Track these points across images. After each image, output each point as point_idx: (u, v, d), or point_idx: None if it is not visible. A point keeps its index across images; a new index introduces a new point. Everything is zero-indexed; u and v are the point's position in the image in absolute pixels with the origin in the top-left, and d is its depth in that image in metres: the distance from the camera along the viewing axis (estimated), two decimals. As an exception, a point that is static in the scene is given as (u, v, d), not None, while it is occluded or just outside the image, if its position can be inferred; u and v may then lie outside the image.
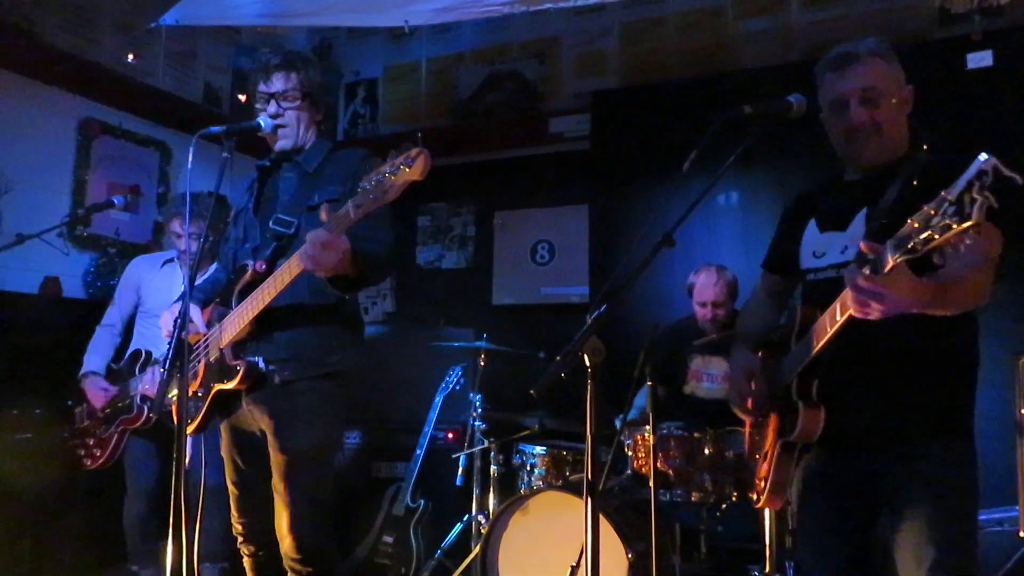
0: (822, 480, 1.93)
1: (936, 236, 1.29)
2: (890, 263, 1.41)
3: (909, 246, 1.34)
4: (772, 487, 1.94)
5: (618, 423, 3.03)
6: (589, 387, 1.66)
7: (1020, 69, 3.56)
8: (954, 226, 1.25)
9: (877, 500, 1.86)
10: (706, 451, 2.98)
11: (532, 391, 1.64)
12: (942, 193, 1.28)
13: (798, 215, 2.07)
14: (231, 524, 2.50)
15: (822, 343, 1.73)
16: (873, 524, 1.89)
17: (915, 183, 1.75)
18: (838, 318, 1.64)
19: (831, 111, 1.92)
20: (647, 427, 2.87)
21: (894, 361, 1.79)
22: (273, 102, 2.37)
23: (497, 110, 5.20)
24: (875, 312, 1.50)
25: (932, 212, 1.29)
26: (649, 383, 2.77)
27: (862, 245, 1.48)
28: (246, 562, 2.49)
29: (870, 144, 1.87)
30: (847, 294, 1.54)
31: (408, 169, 1.82)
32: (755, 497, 2.04)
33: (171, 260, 3.58)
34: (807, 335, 1.81)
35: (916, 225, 1.33)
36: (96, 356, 3.51)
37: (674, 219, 1.82)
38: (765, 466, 1.98)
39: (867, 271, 1.45)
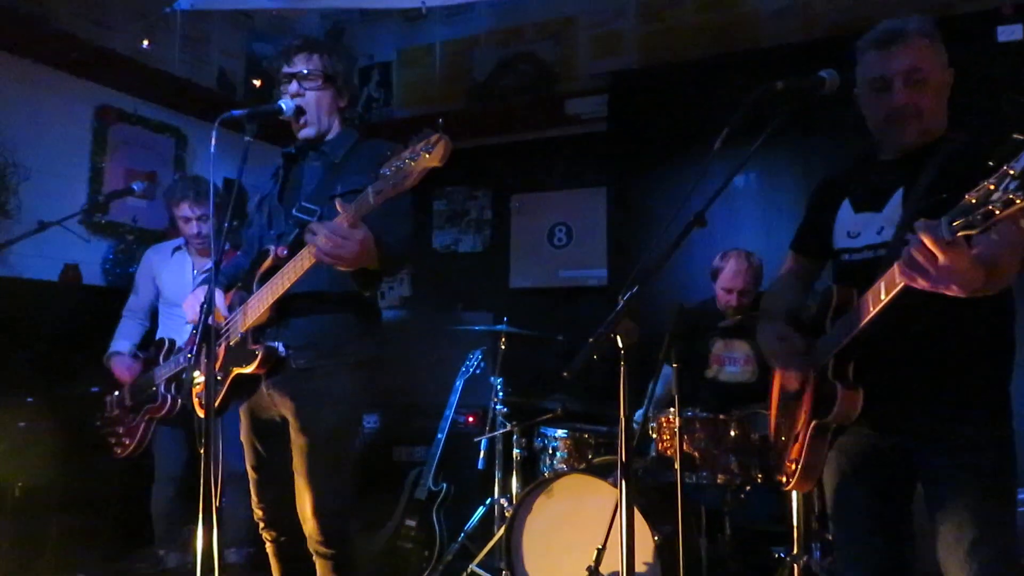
0: (856, 461, 1.91)
1: (997, 211, 1.24)
2: (949, 239, 1.36)
3: (967, 220, 1.30)
4: (804, 470, 1.91)
5: (637, 420, 3.01)
6: (622, 369, 1.64)
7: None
8: (1018, 201, 1.20)
9: (912, 480, 1.84)
10: (732, 433, 2.96)
11: (565, 373, 1.62)
12: (1004, 167, 1.23)
13: (830, 196, 2.03)
14: (256, 509, 2.51)
15: (865, 322, 1.69)
16: (907, 504, 1.87)
17: (954, 164, 1.71)
18: (883, 297, 1.61)
19: (872, 89, 1.87)
20: (672, 410, 2.86)
21: (931, 342, 1.77)
22: (295, 81, 2.35)
23: (513, 92, 5.15)
24: (924, 281, 1.45)
25: (992, 187, 1.24)
26: (675, 365, 2.75)
27: (921, 223, 1.42)
28: (268, 547, 2.50)
29: (910, 127, 1.83)
30: (896, 265, 1.49)
31: (428, 155, 1.80)
32: (784, 480, 2.01)
33: (179, 248, 3.56)
34: (846, 316, 1.78)
35: (974, 200, 1.28)
36: (122, 339, 3.53)
37: (697, 200, 1.79)
38: (796, 448, 1.95)
39: (931, 236, 1.39)
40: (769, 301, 2.22)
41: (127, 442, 3.34)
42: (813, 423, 1.88)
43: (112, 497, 3.83)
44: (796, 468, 1.93)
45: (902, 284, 1.52)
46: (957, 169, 1.67)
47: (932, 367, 1.78)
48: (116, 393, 3.42)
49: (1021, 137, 1.25)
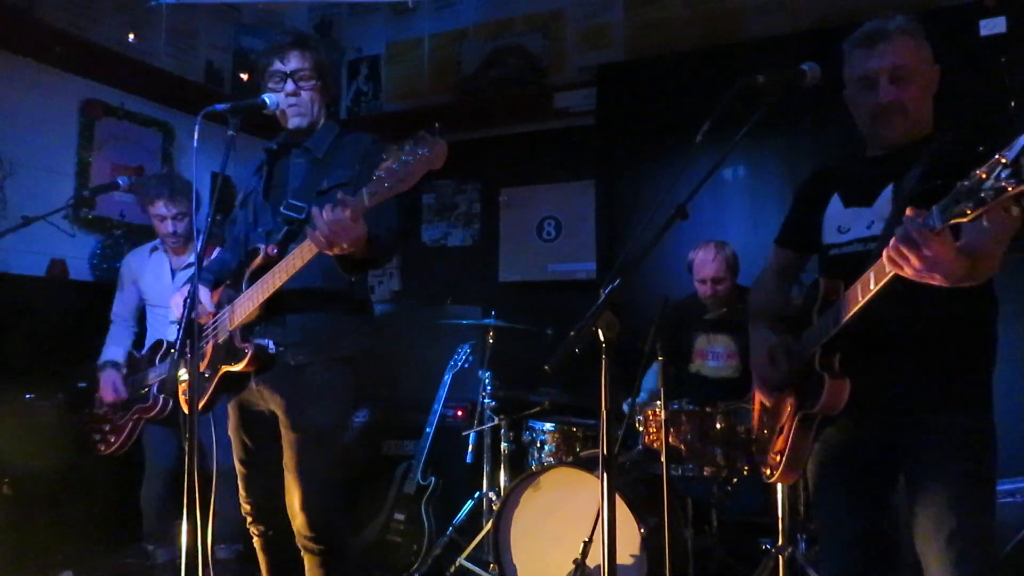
0: (839, 452, 1.92)
1: (989, 200, 1.24)
2: (939, 226, 1.37)
3: (959, 209, 1.30)
4: (788, 461, 1.92)
5: (626, 407, 3.03)
6: (603, 362, 1.65)
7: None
8: (1009, 189, 1.20)
9: (895, 472, 1.86)
10: (717, 425, 2.98)
11: (546, 367, 1.63)
12: (996, 156, 1.23)
13: (819, 191, 2.04)
14: (246, 505, 2.52)
15: (852, 312, 1.70)
16: (889, 496, 1.89)
17: (943, 158, 1.72)
18: (872, 286, 1.62)
19: (858, 88, 1.90)
20: (658, 402, 2.87)
21: (914, 333, 1.78)
22: (290, 80, 2.35)
23: (501, 86, 5.14)
24: (910, 269, 1.46)
25: (984, 176, 1.25)
26: (660, 358, 2.77)
27: (909, 211, 1.44)
28: (256, 542, 2.51)
29: (896, 123, 1.85)
30: (884, 255, 1.50)
31: (425, 158, 1.82)
32: (768, 472, 2.02)
33: (156, 248, 3.52)
34: (833, 307, 1.79)
35: (966, 189, 1.29)
36: (114, 347, 3.47)
37: (683, 193, 1.79)
38: (781, 440, 1.96)
39: (919, 225, 1.41)
40: (755, 300, 2.21)
41: (112, 439, 3.33)
42: (799, 415, 1.89)
43: (101, 492, 3.83)
44: (780, 460, 1.94)
45: (892, 273, 1.53)
46: (946, 163, 1.68)
47: (914, 358, 1.80)
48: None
49: None
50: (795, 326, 1.97)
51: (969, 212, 1.28)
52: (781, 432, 1.97)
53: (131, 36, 4.42)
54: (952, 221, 1.33)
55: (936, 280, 1.48)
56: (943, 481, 1.73)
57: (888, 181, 1.84)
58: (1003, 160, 1.22)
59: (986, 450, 1.79)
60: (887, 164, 1.87)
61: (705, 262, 3.48)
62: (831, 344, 1.80)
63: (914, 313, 1.72)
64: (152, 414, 3.27)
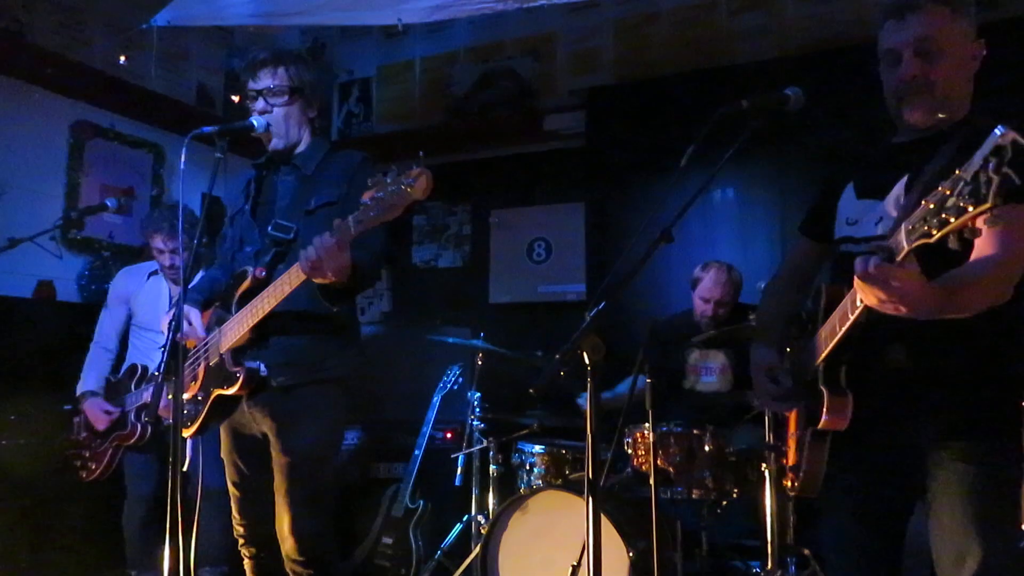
0: (852, 474, 1.77)
1: (952, 219, 1.14)
2: (905, 249, 1.25)
3: (924, 230, 1.19)
4: (805, 479, 1.76)
5: (581, 401, 2.98)
6: (589, 384, 1.64)
7: (1014, 60, 3.54)
8: (969, 208, 1.10)
9: (912, 498, 1.72)
10: (706, 448, 2.97)
11: (531, 390, 1.62)
12: (957, 171, 1.14)
13: (837, 177, 1.87)
14: (231, 527, 2.49)
15: (844, 329, 1.56)
16: (904, 522, 1.76)
17: (969, 151, 1.52)
18: (858, 304, 1.48)
19: (884, 63, 1.73)
20: (647, 424, 2.86)
21: (934, 345, 1.60)
22: (261, 99, 2.35)
23: (492, 108, 5.17)
24: (886, 306, 1.35)
25: (948, 192, 1.14)
26: (648, 380, 2.76)
27: (859, 263, 1.34)
28: (247, 564, 2.48)
29: (919, 102, 1.65)
30: (855, 281, 1.39)
31: (410, 189, 1.83)
32: (789, 485, 1.86)
33: (155, 272, 3.51)
34: (831, 317, 1.64)
35: (931, 206, 1.18)
36: (93, 374, 3.43)
37: (671, 215, 1.77)
38: (794, 456, 1.83)
39: (880, 258, 1.30)
40: (763, 307, 2.10)
41: (93, 466, 3.29)
42: (809, 430, 1.74)
43: (84, 517, 3.78)
44: (797, 477, 1.80)
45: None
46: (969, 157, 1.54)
47: (935, 373, 1.62)
48: (83, 417, 3.37)
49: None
50: (806, 332, 1.82)
51: (934, 233, 1.18)
52: (798, 447, 1.82)
53: (122, 58, 4.43)
54: (916, 243, 1.23)
55: (902, 312, 1.35)
56: (965, 517, 1.57)
57: (904, 172, 1.65)
58: (964, 177, 1.13)
59: (1014, 480, 1.61)
60: (907, 153, 1.69)
61: (715, 283, 3.48)
62: (835, 356, 1.64)
63: (928, 320, 1.51)
64: (131, 441, 3.24)
